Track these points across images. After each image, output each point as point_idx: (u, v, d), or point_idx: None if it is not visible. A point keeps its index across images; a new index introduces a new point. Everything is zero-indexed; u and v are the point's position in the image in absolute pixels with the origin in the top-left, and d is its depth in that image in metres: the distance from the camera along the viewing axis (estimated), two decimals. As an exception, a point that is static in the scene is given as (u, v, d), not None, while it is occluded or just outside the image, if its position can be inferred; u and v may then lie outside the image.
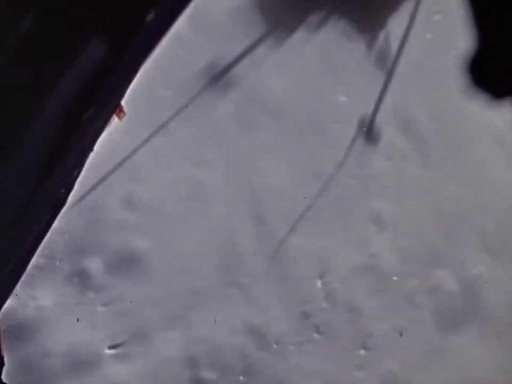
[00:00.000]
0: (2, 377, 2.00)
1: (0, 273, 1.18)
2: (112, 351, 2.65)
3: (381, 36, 3.26)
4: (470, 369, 3.21)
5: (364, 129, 3.17)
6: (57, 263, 2.54)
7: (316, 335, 2.99)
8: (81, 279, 2.62)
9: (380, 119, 3.20)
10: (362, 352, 3.06)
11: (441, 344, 3.19)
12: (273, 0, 3.09)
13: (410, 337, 3.15)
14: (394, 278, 3.16)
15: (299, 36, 3.13)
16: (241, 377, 2.84)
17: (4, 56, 0.86)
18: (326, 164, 3.12)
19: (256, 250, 2.93)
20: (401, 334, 3.13)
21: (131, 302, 2.68)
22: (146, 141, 2.76)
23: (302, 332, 2.97)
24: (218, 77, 2.93)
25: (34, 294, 2.53)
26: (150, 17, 0.90)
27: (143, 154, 2.77)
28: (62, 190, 1.31)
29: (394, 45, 3.28)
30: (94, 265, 2.65)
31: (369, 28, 3.25)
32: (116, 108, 2.02)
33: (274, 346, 2.91)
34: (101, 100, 1.02)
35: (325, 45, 3.16)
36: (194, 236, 2.82)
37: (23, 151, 0.95)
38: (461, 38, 3.17)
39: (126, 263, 2.70)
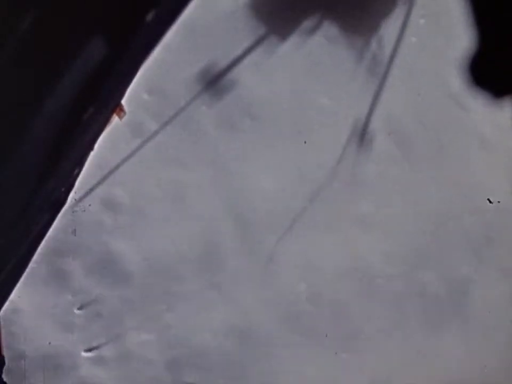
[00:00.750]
0: (3, 376, 2.00)
1: (0, 273, 1.18)
2: (88, 354, 2.64)
3: (373, 40, 3.23)
4: (455, 371, 3.21)
5: (355, 135, 3.15)
6: (35, 266, 2.52)
7: (300, 338, 2.97)
8: (59, 281, 2.61)
9: (369, 122, 3.19)
10: (345, 355, 3.04)
11: (426, 345, 3.19)
12: (262, 6, 3.04)
13: (396, 339, 3.14)
14: (379, 280, 3.14)
15: (289, 41, 3.09)
16: (224, 380, 2.82)
17: (4, 56, 0.86)
18: (312, 167, 3.10)
19: (238, 252, 2.90)
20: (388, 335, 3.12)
21: (108, 304, 2.66)
22: (128, 144, 2.73)
23: (286, 335, 2.94)
24: (205, 82, 2.90)
25: (11, 297, 2.53)
26: (150, 17, 0.90)
27: (125, 158, 2.74)
28: (62, 190, 1.31)
29: (387, 49, 3.24)
30: (72, 267, 2.63)
31: (362, 33, 3.23)
32: (116, 108, 2.02)
33: (258, 348, 2.88)
34: (101, 100, 1.02)
35: (315, 51, 3.13)
36: (175, 238, 2.80)
37: (23, 151, 0.95)
38: (449, 43, 3.23)
39: (104, 265, 2.68)
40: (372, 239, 3.16)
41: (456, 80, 3.23)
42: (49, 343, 2.58)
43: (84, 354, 2.63)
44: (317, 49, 3.11)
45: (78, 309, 2.63)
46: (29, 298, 2.55)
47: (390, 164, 3.24)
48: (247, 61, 2.97)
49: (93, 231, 2.68)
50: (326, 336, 3.01)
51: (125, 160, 2.72)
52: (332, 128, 3.14)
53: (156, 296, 2.74)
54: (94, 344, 2.64)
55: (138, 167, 2.77)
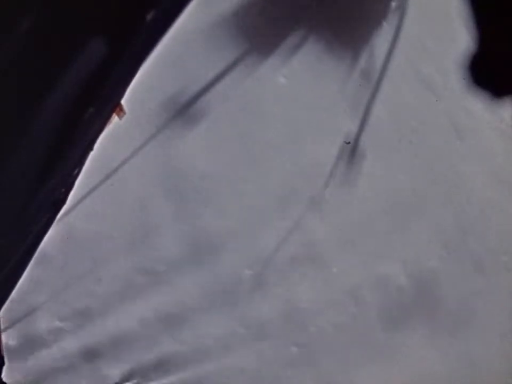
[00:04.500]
0: (2, 376, 2.00)
1: (0, 273, 1.18)
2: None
3: (365, 51, 3.17)
4: (419, 370, 2.95)
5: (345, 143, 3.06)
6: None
7: (241, 329, 2.69)
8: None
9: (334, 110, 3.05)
10: (294, 349, 2.76)
11: (386, 342, 2.92)
12: (248, 20, 2.97)
13: (352, 334, 2.85)
14: (335, 270, 2.88)
15: (277, 55, 2.99)
16: (151, 373, 2.56)
17: (4, 56, 0.86)
18: (265, 147, 2.89)
19: (175, 234, 2.65)
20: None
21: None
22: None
23: (224, 325, 2.67)
24: (185, 106, 2.77)
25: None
26: (150, 17, 0.90)
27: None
28: (62, 190, 1.31)
29: (379, 60, 3.18)
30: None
31: (353, 44, 3.14)
32: (116, 107, 2.02)
33: (192, 339, 2.61)
34: (101, 100, 1.02)
35: (304, 65, 3.03)
36: (104, 218, 2.56)
37: (23, 151, 0.95)
38: (428, 53, 3.21)
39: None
40: (330, 225, 2.92)
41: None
42: None
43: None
44: (310, 62, 3.04)
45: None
46: None
47: (356, 151, 3.05)
48: (233, 74, 2.88)
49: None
50: (271, 327, 2.75)
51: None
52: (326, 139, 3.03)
53: (79, 282, 2.47)
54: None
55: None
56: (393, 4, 3.27)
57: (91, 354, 2.46)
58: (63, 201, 1.43)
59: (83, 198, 2.51)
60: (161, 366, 2.56)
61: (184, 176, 2.71)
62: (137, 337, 2.53)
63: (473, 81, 1.05)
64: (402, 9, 3.27)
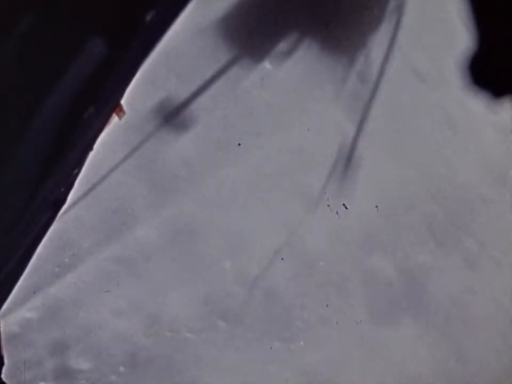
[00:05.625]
0: (2, 376, 2.00)
1: (0, 273, 1.18)
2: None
3: (361, 57, 3.12)
4: (407, 367, 2.86)
5: (342, 151, 3.02)
6: None
7: (220, 322, 2.55)
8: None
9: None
10: (277, 344, 2.63)
11: (374, 338, 2.81)
12: (239, 26, 2.90)
13: (337, 329, 2.74)
14: (322, 263, 2.77)
15: (271, 60, 2.91)
16: (121, 368, 2.38)
17: (4, 56, 0.86)
18: (246, 133, 2.79)
19: (151, 222, 2.52)
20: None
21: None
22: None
23: (203, 318, 2.52)
24: (174, 114, 2.69)
25: None
26: (150, 17, 0.90)
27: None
28: (62, 190, 1.31)
29: (378, 60, 3.14)
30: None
31: (348, 50, 3.09)
32: (115, 107, 2.02)
33: (168, 333, 2.47)
34: (100, 100, 1.03)
35: (297, 71, 2.97)
36: (77, 203, 2.39)
37: (23, 151, 0.95)
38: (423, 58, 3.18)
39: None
40: (317, 216, 2.82)
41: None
42: None
43: None
44: (300, 66, 2.98)
45: None
46: None
47: (346, 139, 2.97)
48: (224, 79, 2.82)
49: None
50: (253, 321, 2.62)
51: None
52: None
53: (43, 265, 2.30)
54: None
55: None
56: (392, 4, 3.27)
57: (59, 347, 2.30)
58: (63, 201, 1.43)
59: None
60: (133, 359, 2.41)
61: (163, 163, 2.62)
62: (110, 329, 2.38)
63: (473, 81, 1.05)
64: (400, 9, 3.27)
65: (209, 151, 2.74)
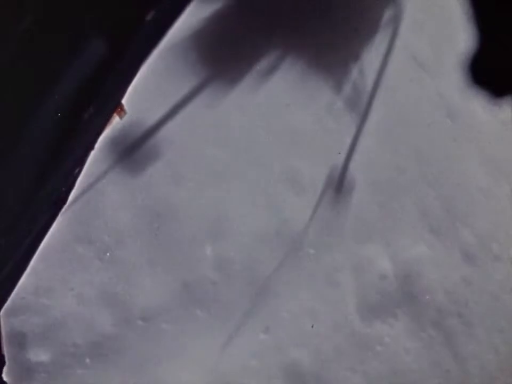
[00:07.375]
0: (3, 376, 2.00)
1: (0, 273, 1.18)
2: None
3: (354, 71, 3.08)
4: (400, 364, 2.73)
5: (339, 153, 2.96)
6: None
7: (198, 312, 2.39)
8: None
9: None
10: (261, 336, 2.47)
11: (366, 332, 2.68)
12: (236, 29, 2.84)
13: (326, 322, 2.60)
14: (311, 251, 2.64)
15: (249, 81, 2.84)
16: (87, 359, 2.21)
17: (4, 56, 0.86)
18: (229, 113, 2.71)
19: (125, 203, 2.38)
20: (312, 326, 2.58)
21: None
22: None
23: (179, 307, 2.37)
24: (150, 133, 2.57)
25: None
26: (150, 17, 0.90)
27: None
28: (63, 189, 1.31)
29: (377, 58, 3.11)
30: None
31: (340, 65, 3.03)
32: (116, 107, 2.02)
33: (139, 322, 2.31)
34: (101, 99, 1.03)
35: (286, 85, 2.90)
36: None
37: (23, 150, 0.95)
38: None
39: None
40: (307, 201, 2.70)
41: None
42: None
43: None
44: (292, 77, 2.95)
45: None
46: None
47: (338, 121, 2.89)
48: (223, 80, 2.80)
49: None
50: (236, 312, 2.47)
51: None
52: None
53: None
54: None
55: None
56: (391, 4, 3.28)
57: (16, 337, 2.13)
58: (63, 201, 1.42)
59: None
60: (101, 350, 2.25)
61: (141, 143, 2.52)
62: (74, 318, 2.23)
63: (473, 81, 1.05)
64: (399, 9, 3.27)
65: (193, 130, 2.65)
